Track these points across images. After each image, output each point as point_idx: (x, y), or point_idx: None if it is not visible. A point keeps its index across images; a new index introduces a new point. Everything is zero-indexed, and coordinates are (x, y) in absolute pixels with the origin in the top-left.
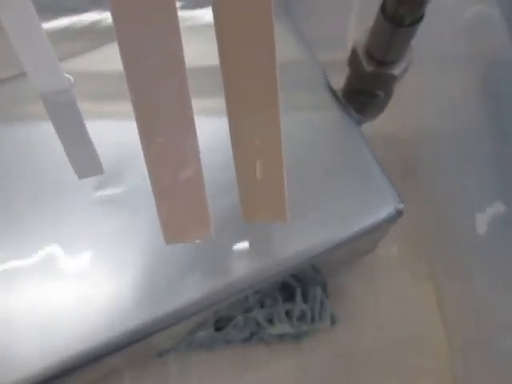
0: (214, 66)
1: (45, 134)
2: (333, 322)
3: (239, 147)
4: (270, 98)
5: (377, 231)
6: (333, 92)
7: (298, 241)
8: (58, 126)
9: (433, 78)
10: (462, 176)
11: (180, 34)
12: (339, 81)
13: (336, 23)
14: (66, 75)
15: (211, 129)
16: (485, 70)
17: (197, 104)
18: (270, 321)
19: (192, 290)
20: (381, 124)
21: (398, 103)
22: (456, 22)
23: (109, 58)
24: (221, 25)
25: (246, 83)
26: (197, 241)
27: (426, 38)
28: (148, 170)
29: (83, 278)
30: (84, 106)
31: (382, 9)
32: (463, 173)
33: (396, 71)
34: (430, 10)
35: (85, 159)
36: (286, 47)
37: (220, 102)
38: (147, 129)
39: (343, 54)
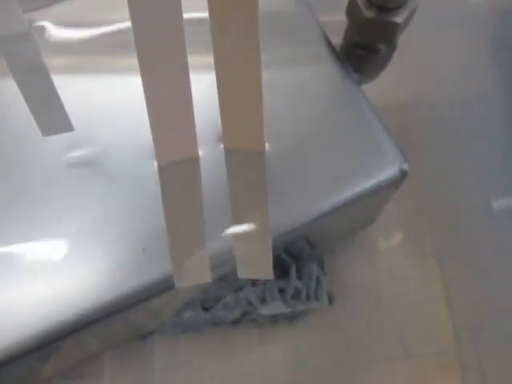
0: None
1: (7, 89)
2: (330, 301)
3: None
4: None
5: (378, 195)
6: (332, 47)
7: (293, 204)
8: (20, 78)
9: (436, 39)
10: (469, 144)
11: None
12: (338, 41)
13: None
14: (23, 15)
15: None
16: (489, 30)
17: None
18: (263, 300)
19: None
20: (382, 89)
21: (399, 67)
22: None
23: (82, 8)
24: None
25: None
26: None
27: None
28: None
29: (57, 246)
30: (54, 60)
31: None
32: (471, 140)
33: (398, 19)
34: None
35: (51, 114)
36: (284, 3)
37: None
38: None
39: (342, 15)
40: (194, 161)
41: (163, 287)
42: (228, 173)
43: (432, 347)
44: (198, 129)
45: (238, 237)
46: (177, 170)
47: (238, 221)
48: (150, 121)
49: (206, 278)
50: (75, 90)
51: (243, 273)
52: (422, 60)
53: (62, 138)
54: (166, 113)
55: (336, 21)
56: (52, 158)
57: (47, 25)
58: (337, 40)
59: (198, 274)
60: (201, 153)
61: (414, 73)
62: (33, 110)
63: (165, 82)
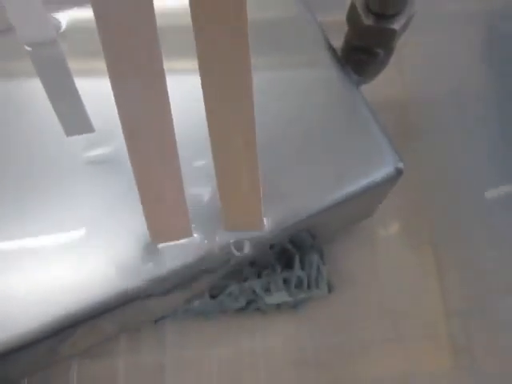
0: None
1: (31, 90)
2: (330, 289)
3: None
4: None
5: (375, 191)
6: (332, 50)
7: (295, 201)
8: (46, 81)
9: (433, 38)
10: (463, 138)
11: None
12: (338, 42)
13: None
14: (54, 18)
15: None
16: (487, 29)
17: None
18: (267, 290)
19: (186, 254)
20: (381, 86)
21: (398, 65)
22: None
23: None
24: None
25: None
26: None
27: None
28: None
29: (76, 238)
30: (75, 63)
31: None
32: (465, 134)
33: (396, 25)
34: None
35: (74, 116)
36: (285, 5)
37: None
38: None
39: (341, 15)
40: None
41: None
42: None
43: (425, 330)
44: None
45: (224, 184)
46: None
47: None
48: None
49: (187, 233)
50: (95, 92)
51: (230, 225)
52: (420, 58)
53: (81, 136)
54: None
55: (337, 21)
56: (71, 155)
57: (68, 28)
58: (337, 39)
59: (178, 230)
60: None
61: (412, 71)
62: (57, 111)
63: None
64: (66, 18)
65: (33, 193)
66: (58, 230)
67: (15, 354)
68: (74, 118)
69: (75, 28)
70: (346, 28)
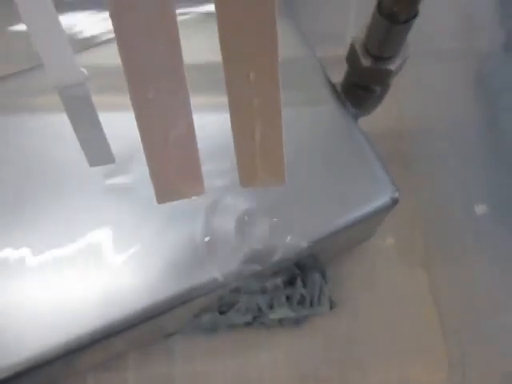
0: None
1: (58, 125)
2: (331, 306)
3: (236, 108)
4: (268, 52)
5: (373, 219)
6: (332, 86)
7: (297, 228)
8: (72, 118)
9: (429, 72)
10: (458, 166)
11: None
12: (337, 76)
13: (335, 20)
14: (81, 69)
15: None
16: (478, 64)
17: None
18: (271, 306)
19: (197, 276)
20: (378, 117)
21: (396, 97)
22: (450, 16)
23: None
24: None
25: (244, 37)
26: (192, 197)
27: (422, 32)
28: (139, 130)
29: (92, 261)
30: (96, 98)
31: (379, 6)
32: (460, 163)
33: (392, 66)
34: (423, 5)
35: (97, 148)
36: (286, 43)
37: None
38: (137, 85)
39: (342, 50)
40: None
41: (188, 299)
42: None
43: (423, 346)
44: None
45: (239, 128)
46: None
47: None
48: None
49: (198, 189)
50: (115, 125)
51: (247, 180)
52: (416, 90)
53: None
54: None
55: (335, 56)
56: (93, 181)
57: (88, 66)
58: (335, 73)
59: (187, 185)
60: None
61: (407, 101)
62: (82, 143)
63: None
64: (89, 56)
65: (55, 213)
66: (74, 250)
67: (34, 371)
68: (98, 150)
69: (98, 65)
70: (343, 62)
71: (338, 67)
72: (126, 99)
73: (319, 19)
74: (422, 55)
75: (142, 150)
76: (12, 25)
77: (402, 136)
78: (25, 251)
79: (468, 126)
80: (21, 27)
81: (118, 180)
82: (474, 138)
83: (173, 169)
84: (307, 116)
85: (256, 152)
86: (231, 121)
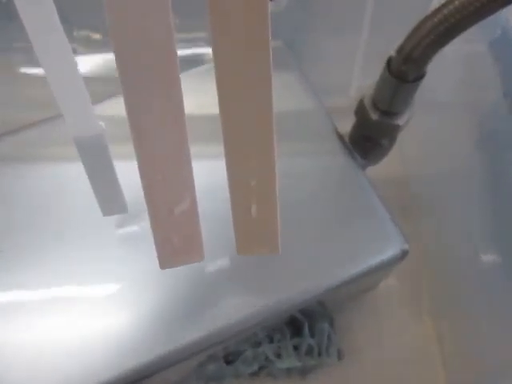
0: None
1: (72, 174)
2: (340, 357)
3: (235, 188)
4: (266, 142)
5: (382, 270)
6: (340, 138)
7: (306, 279)
8: (89, 168)
9: (432, 124)
10: (462, 217)
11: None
12: (343, 126)
13: (339, 73)
14: (100, 122)
15: (210, 172)
16: (480, 118)
17: (196, 149)
18: (279, 355)
19: (202, 327)
20: (383, 167)
21: (400, 148)
22: (453, 72)
23: None
24: (220, 74)
25: (244, 127)
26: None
27: (427, 86)
28: (146, 203)
29: (97, 314)
30: (111, 147)
31: (388, 65)
32: (463, 214)
33: (400, 121)
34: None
35: (111, 198)
36: (294, 95)
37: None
38: (147, 170)
39: (346, 101)
40: None
41: (193, 351)
42: None
43: None
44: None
45: (237, 205)
46: None
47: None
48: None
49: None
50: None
51: (243, 249)
52: (420, 139)
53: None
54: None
55: (339, 107)
56: (105, 229)
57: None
58: (342, 123)
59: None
60: None
61: (411, 150)
62: (96, 193)
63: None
64: (104, 107)
65: (68, 267)
66: (78, 301)
67: None
68: (111, 200)
69: (112, 116)
70: (347, 113)
71: (342, 118)
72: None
73: (323, 72)
74: (425, 107)
75: None
76: (27, 69)
77: (404, 185)
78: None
79: (471, 176)
80: (35, 71)
81: (129, 229)
82: (478, 187)
83: (176, 239)
84: (316, 167)
85: (252, 226)
86: (230, 198)
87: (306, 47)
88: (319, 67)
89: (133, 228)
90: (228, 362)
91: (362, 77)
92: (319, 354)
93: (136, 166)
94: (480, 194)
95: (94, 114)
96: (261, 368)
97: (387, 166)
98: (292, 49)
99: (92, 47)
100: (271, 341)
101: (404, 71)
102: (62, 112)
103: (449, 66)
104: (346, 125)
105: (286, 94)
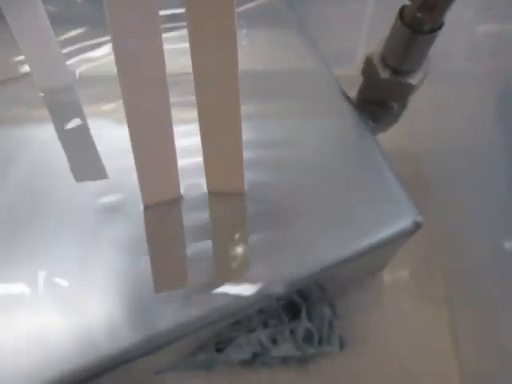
0: None
1: (44, 136)
2: (342, 346)
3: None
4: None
5: (392, 245)
6: (349, 101)
7: (308, 253)
8: (60, 127)
9: (445, 94)
10: (478, 193)
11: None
12: (350, 95)
13: (345, 40)
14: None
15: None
16: (502, 88)
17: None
18: (274, 341)
19: (191, 309)
20: (393, 139)
21: (408, 116)
22: (471, 37)
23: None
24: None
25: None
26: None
27: (440, 53)
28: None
29: (76, 293)
30: (88, 109)
31: (401, 13)
32: (479, 190)
33: (413, 80)
34: (445, 24)
35: (87, 162)
36: (301, 58)
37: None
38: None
39: (353, 70)
40: (177, 201)
41: (181, 334)
42: (211, 214)
43: None
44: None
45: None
46: (160, 211)
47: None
48: (135, 162)
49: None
50: (108, 138)
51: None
52: (431, 111)
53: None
54: (151, 156)
55: (347, 75)
56: (79, 202)
57: (81, 73)
58: (348, 93)
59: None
60: (184, 193)
61: (422, 123)
62: (69, 156)
63: (148, 124)
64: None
65: (36, 238)
66: (57, 280)
67: None
68: (86, 164)
69: (88, 76)
70: (352, 82)
71: (349, 87)
72: (120, 111)
73: (328, 39)
74: (437, 76)
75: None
76: None
77: (416, 159)
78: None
79: (491, 151)
80: None
81: (106, 200)
82: (499, 163)
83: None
84: (324, 131)
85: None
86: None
87: (310, 13)
88: (324, 34)
89: (112, 200)
90: (219, 350)
91: (368, 45)
92: (320, 342)
93: (116, 131)
94: (501, 171)
95: (64, 62)
96: (255, 356)
97: (397, 140)
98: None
99: None
100: (266, 326)
101: (419, 19)
102: (28, 62)
103: (466, 29)
104: (353, 94)
105: (287, 53)
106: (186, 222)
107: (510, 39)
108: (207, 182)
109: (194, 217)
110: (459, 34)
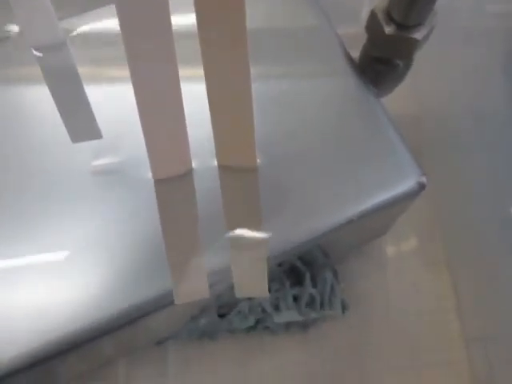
0: None
1: (38, 96)
2: (344, 309)
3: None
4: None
5: (394, 207)
6: (352, 61)
7: (309, 215)
8: (53, 86)
9: (451, 54)
10: (481, 155)
11: None
12: (354, 54)
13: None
14: (62, 28)
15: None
16: (508, 45)
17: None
18: (277, 307)
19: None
20: (397, 102)
21: (412, 78)
22: None
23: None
24: None
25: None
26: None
27: (446, 7)
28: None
29: (75, 255)
30: (83, 70)
31: None
32: (482, 153)
33: (418, 35)
34: None
35: (81, 122)
36: (304, 16)
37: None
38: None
39: (357, 28)
40: (189, 174)
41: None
42: (222, 188)
43: (442, 356)
44: (193, 144)
45: (235, 257)
46: (172, 184)
47: (234, 240)
48: (145, 136)
49: (204, 294)
50: (106, 98)
51: (240, 292)
52: (435, 72)
53: (87, 144)
54: (160, 129)
55: (351, 33)
56: (76, 164)
57: (80, 32)
58: (352, 52)
59: (196, 290)
60: (195, 167)
61: (426, 84)
62: (63, 116)
63: (157, 97)
64: (74, 25)
65: (33, 205)
66: (59, 245)
67: (14, 377)
68: (82, 124)
69: (84, 35)
70: (357, 40)
71: (354, 46)
72: (116, 71)
73: None
74: (441, 33)
75: (132, 126)
76: None
77: (420, 123)
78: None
79: (497, 116)
80: None
81: (104, 162)
82: (505, 128)
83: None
84: (327, 91)
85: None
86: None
87: None
88: None
89: (109, 160)
90: (221, 316)
91: (373, 1)
92: (322, 306)
93: (111, 90)
94: (506, 133)
95: (55, 18)
96: (258, 322)
97: (401, 103)
98: None
99: None
100: (268, 291)
101: None
102: (18, 18)
103: None
104: (358, 52)
105: (289, 11)
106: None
107: None
108: (218, 157)
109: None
110: None
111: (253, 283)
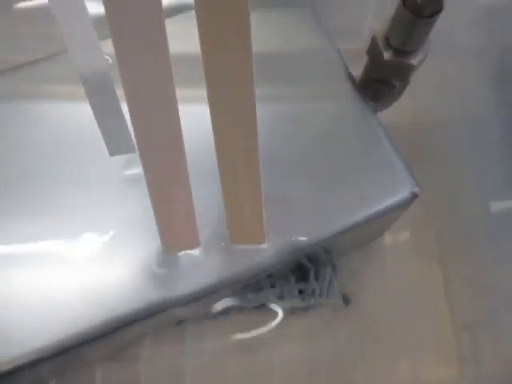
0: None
1: (79, 113)
2: (347, 302)
3: (228, 192)
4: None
5: (391, 214)
6: (352, 79)
7: (313, 222)
8: (95, 105)
9: (446, 66)
10: (473, 161)
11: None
12: (356, 70)
13: (353, 14)
14: (106, 56)
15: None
16: (498, 59)
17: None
18: (281, 297)
19: (209, 272)
20: (394, 111)
21: (411, 91)
22: (470, 11)
23: None
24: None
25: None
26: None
27: (441, 26)
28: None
29: (109, 252)
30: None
31: (403, 0)
32: (475, 158)
33: (414, 61)
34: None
35: (118, 137)
36: (307, 35)
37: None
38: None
39: (360, 44)
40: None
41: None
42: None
43: (433, 341)
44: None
45: (229, 201)
46: None
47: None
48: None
49: (195, 244)
50: None
51: (235, 238)
52: (432, 84)
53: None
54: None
55: (351, 49)
56: (110, 171)
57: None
58: (354, 68)
59: (187, 242)
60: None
61: (423, 95)
62: (103, 132)
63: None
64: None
65: (66, 203)
66: (87, 241)
67: (44, 362)
68: (119, 139)
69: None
70: (359, 56)
71: (356, 62)
72: None
73: (337, 13)
74: (438, 48)
75: None
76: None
77: (415, 130)
78: (27, 243)
79: (485, 123)
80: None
81: (135, 171)
82: (492, 134)
83: (176, 228)
84: (326, 108)
85: (242, 224)
86: (223, 197)
87: None
88: (330, 8)
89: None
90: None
91: (375, 17)
92: (320, 295)
93: None
94: (493, 141)
95: (100, 46)
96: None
97: (398, 112)
98: None
99: None
100: (273, 286)
101: (420, 5)
102: (67, 46)
103: (466, 6)
104: (360, 69)
105: (292, 30)
106: None
107: (506, 13)
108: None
109: None
110: (461, 7)
111: (249, 230)
